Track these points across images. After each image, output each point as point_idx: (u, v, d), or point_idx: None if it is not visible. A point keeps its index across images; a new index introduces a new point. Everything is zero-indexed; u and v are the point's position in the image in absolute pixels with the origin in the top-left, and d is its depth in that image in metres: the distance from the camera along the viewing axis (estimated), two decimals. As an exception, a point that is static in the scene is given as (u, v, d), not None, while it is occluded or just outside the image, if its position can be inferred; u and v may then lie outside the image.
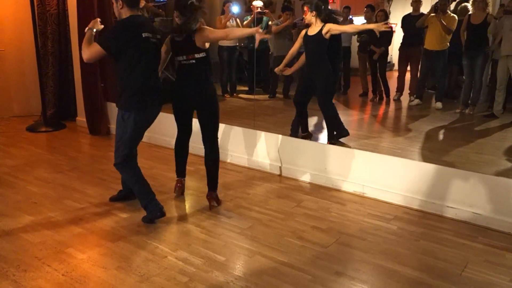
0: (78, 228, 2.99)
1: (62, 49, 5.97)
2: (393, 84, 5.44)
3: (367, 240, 2.88)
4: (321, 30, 3.90)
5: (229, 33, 3.16)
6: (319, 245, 2.80)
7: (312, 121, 4.78)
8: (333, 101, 4.29)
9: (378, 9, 5.42)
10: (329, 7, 4.15)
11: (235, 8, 6.09)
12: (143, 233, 2.93)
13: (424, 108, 5.17)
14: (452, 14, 4.75)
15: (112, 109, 5.25)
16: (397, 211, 3.32)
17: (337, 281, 2.42)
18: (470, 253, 2.72)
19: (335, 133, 4.16)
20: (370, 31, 3.92)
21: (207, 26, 3.21)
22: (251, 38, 6.05)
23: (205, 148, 3.31)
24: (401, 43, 5.29)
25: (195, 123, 3.29)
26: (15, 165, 4.27)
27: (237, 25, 6.07)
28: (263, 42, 6.01)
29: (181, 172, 3.55)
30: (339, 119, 4.18)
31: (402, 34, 5.26)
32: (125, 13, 2.89)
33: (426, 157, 3.92)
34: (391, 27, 5.28)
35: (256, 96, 5.96)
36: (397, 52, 5.38)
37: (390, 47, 5.46)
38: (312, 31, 3.99)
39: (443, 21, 4.68)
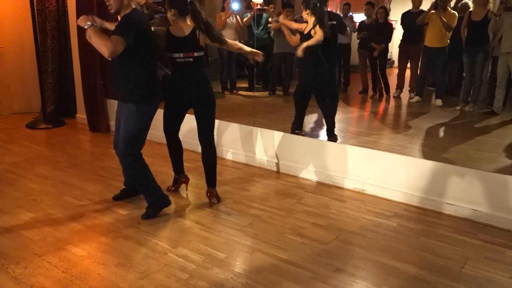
0: (78, 225, 2.99)
1: (61, 46, 5.97)
2: (393, 81, 5.43)
3: (367, 237, 2.89)
4: (311, 29, 3.98)
5: (229, 45, 3.20)
6: (319, 242, 2.80)
7: (312, 118, 4.79)
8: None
9: (378, 6, 5.40)
10: (329, 7, 4.17)
11: (235, 5, 6.07)
12: (143, 230, 2.93)
13: (424, 105, 5.17)
14: (452, 11, 4.74)
15: (112, 106, 5.25)
16: (397, 208, 3.33)
17: (337, 277, 2.42)
18: (469, 250, 2.72)
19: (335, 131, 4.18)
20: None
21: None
22: (251, 35, 6.05)
23: (201, 145, 3.31)
24: (401, 40, 5.27)
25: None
26: (14, 162, 4.27)
27: (237, 22, 6.06)
28: (262, 39, 6.01)
29: (179, 169, 3.56)
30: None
31: (402, 31, 5.24)
32: (126, 8, 2.84)
33: (426, 154, 3.92)
34: (392, 24, 5.27)
35: (256, 93, 5.95)
36: (397, 49, 5.36)
37: (390, 44, 5.44)
38: (306, 29, 4.06)
39: (443, 18, 4.67)
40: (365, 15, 5.51)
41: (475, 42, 4.60)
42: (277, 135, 4.12)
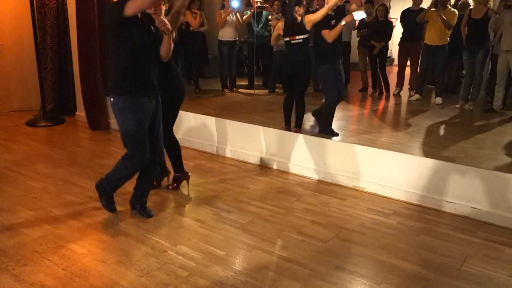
0: (78, 223, 2.99)
1: (61, 44, 5.95)
2: (393, 79, 5.43)
3: (367, 234, 2.89)
4: (301, 21, 4.19)
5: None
6: (319, 240, 2.80)
7: (312, 117, 4.79)
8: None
9: (378, 4, 5.39)
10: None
11: (235, 3, 6.06)
12: (143, 227, 2.94)
13: (424, 103, 5.16)
14: (452, 9, 4.73)
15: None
16: (396, 206, 3.33)
17: (336, 275, 2.42)
18: (469, 248, 2.73)
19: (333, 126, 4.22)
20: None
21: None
22: (251, 33, 6.04)
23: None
24: (401, 38, 5.27)
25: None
26: (14, 159, 4.27)
27: (237, 20, 6.05)
28: (262, 37, 6.00)
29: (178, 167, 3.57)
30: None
31: (402, 29, 5.24)
32: None
33: (425, 152, 3.92)
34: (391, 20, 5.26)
35: (256, 91, 5.95)
36: (397, 47, 5.36)
37: (390, 42, 5.44)
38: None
39: (443, 16, 4.67)
40: (365, 13, 5.50)
41: (475, 40, 4.60)
42: (277, 133, 4.12)
